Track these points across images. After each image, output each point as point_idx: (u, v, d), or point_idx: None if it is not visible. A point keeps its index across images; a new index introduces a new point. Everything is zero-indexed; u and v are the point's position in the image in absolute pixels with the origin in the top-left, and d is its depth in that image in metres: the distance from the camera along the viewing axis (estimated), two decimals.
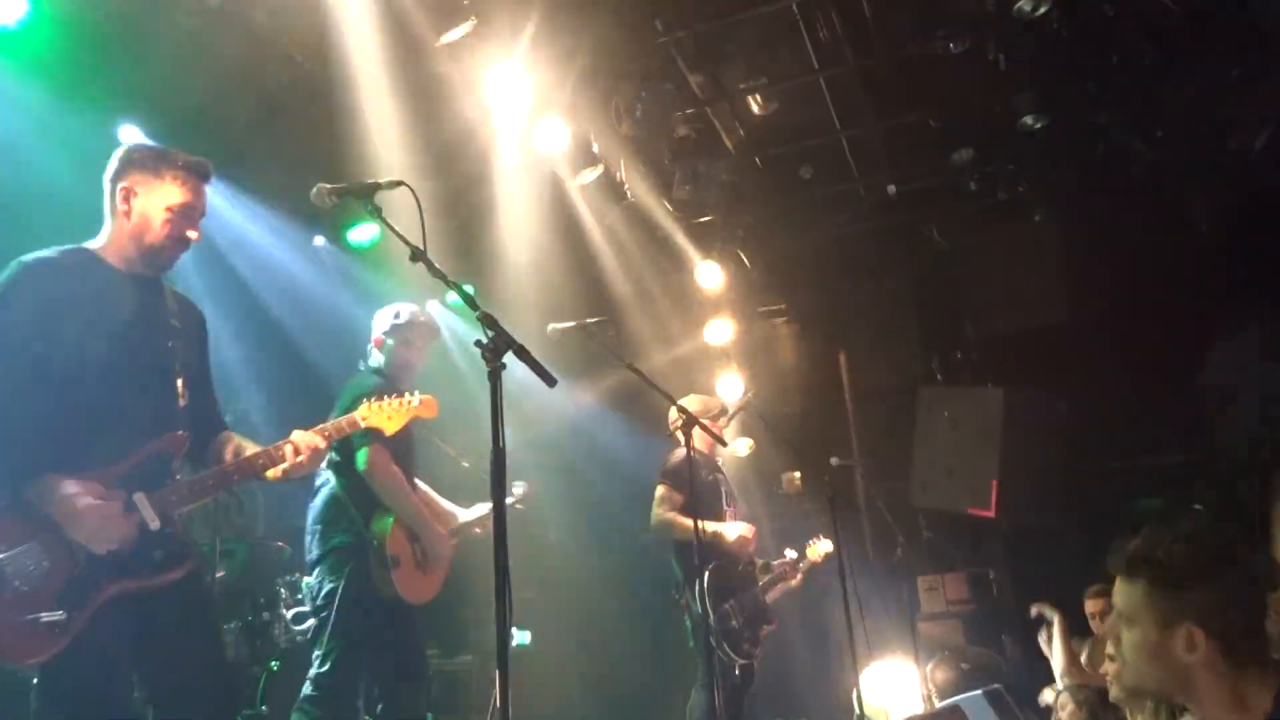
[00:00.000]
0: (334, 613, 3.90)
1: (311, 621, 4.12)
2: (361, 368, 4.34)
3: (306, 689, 3.90)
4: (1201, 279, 7.56)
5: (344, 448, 3.94)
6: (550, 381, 2.57)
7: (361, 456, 3.90)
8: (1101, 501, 7.83)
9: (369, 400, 3.35)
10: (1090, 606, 5.46)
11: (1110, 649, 2.25)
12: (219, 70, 5.39)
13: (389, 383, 4.08)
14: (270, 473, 2.90)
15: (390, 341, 4.28)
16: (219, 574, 5.08)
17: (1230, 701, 2.02)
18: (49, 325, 2.64)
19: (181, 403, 2.84)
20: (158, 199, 2.84)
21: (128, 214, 2.85)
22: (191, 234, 2.89)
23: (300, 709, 3.87)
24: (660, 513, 5.21)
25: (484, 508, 4.41)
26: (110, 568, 2.56)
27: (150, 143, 2.97)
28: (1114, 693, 2.31)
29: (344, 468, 4.01)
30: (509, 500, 4.58)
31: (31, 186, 5.39)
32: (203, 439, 2.96)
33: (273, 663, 5.02)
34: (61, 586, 2.49)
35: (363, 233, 7.00)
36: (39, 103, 5.26)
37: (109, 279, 2.82)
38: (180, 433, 2.81)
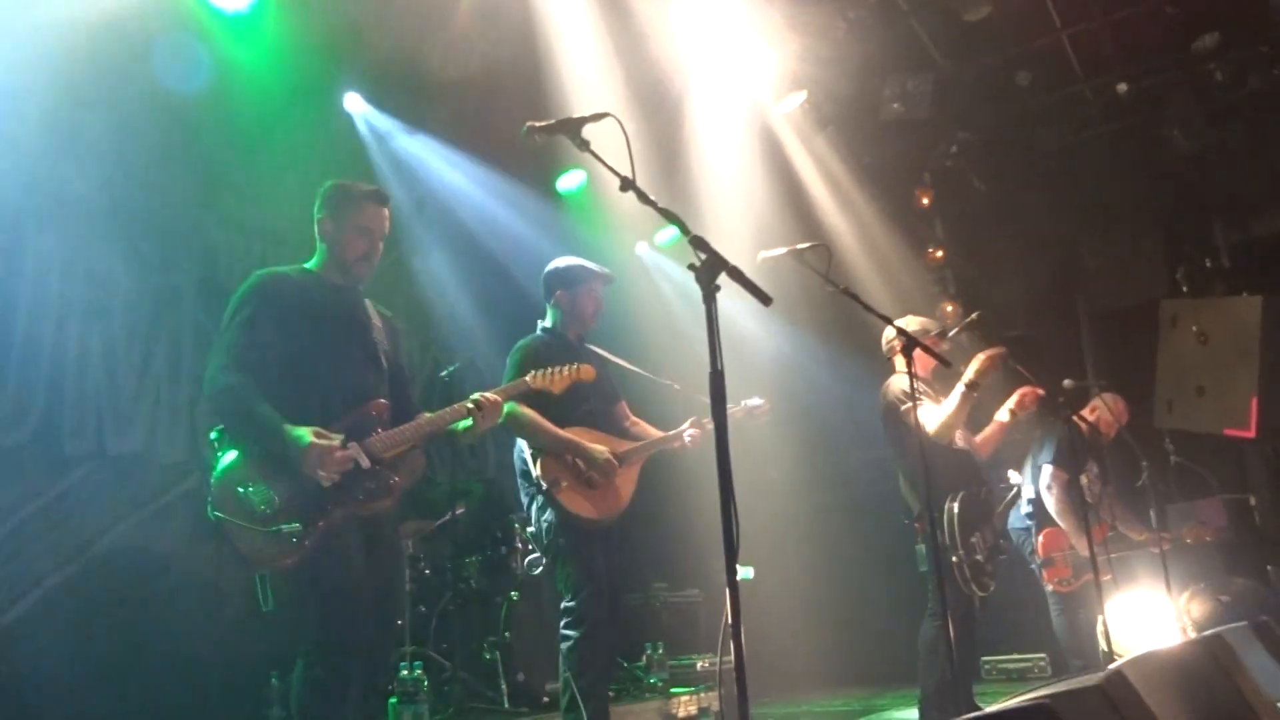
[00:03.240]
0: (559, 544, 4.20)
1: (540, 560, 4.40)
2: (538, 328, 4.58)
3: (563, 632, 4.16)
4: None
5: None
6: (765, 300, 2.52)
7: (504, 411, 4.13)
8: None
9: (536, 371, 3.82)
10: None
11: None
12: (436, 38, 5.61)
13: (560, 338, 4.46)
14: (461, 425, 3.51)
15: (558, 294, 4.53)
16: (459, 510, 5.41)
17: None
18: (280, 320, 3.36)
19: (386, 384, 3.51)
20: (345, 224, 3.52)
21: (324, 238, 3.56)
22: (374, 248, 3.54)
23: (561, 635, 4.15)
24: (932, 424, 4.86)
25: (683, 427, 4.59)
26: (333, 495, 3.18)
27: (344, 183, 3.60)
28: None
29: None
30: (748, 406, 4.84)
31: (268, 165, 5.87)
32: (400, 418, 3.50)
33: (513, 593, 5.29)
34: (296, 509, 3.14)
35: (571, 180, 7.15)
36: (270, 83, 5.68)
37: (322, 288, 3.51)
38: (384, 400, 3.46)
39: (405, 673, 4.52)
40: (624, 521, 4.43)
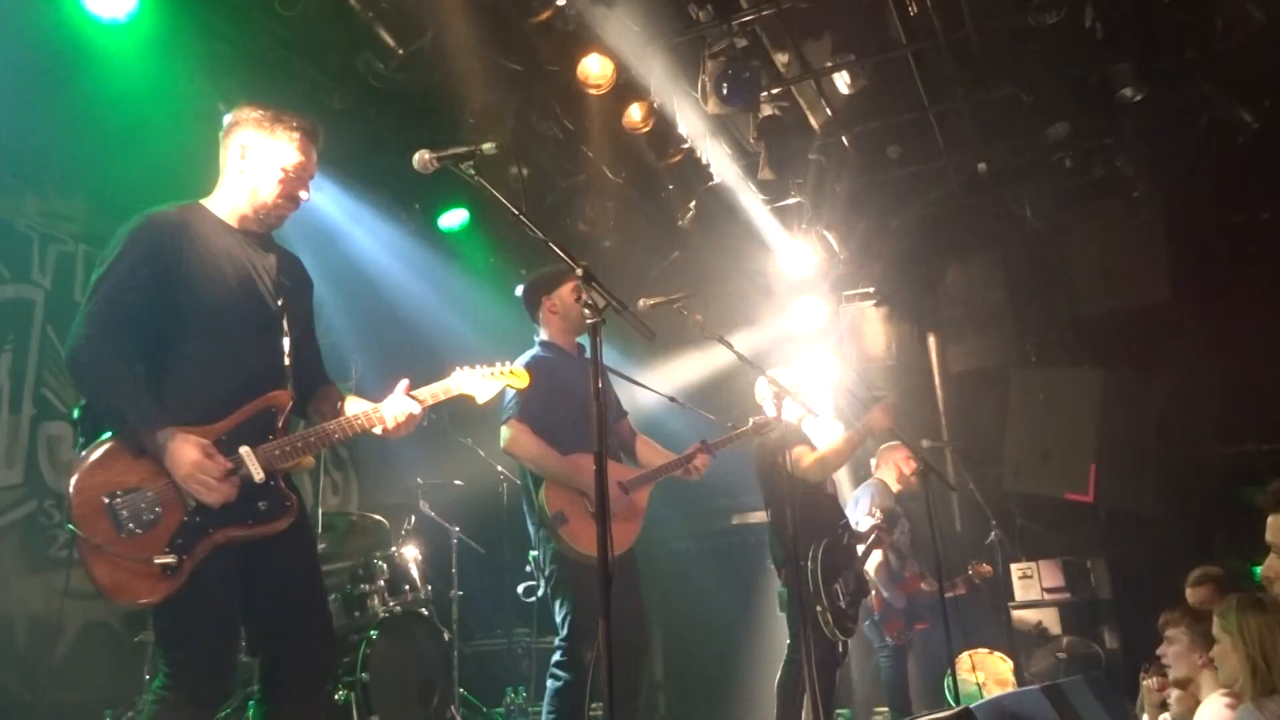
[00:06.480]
0: (555, 577, 3.99)
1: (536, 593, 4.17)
2: (534, 343, 4.38)
3: (553, 670, 3.96)
4: None
5: None
6: (649, 335, 2.58)
7: (503, 435, 4.00)
8: (1203, 488, 7.56)
9: (463, 367, 3.22)
10: (1192, 596, 5.19)
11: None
12: (317, 60, 5.53)
13: (558, 350, 4.28)
14: (376, 430, 2.96)
15: (546, 302, 4.35)
16: (320, 545, 5.23)
17: None
18: (167, 277, 2.73)
19: (287, 360, 2.91)
20: (271, 158, 2.91)
21: (241, 172, 2.93)
22: (303, 194, 2.97)
23: (550, 673, 3.95)
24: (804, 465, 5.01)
25: (689, 451, 4.40)
26: (218, 516, 2.66)
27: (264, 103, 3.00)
28: None
29: None
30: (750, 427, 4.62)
31: (139, 174, 5.64)
32: (306, 393, 3.03)
33: (371, 632, 5.13)
34: (173, 531, 2.59)
35: (453, 218, 7.11)
36: (144, 92, 5.48)
37: (223, 234, 2.89)
38: (286, 390, 2.87)
39: (253, 712, 4.30)
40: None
